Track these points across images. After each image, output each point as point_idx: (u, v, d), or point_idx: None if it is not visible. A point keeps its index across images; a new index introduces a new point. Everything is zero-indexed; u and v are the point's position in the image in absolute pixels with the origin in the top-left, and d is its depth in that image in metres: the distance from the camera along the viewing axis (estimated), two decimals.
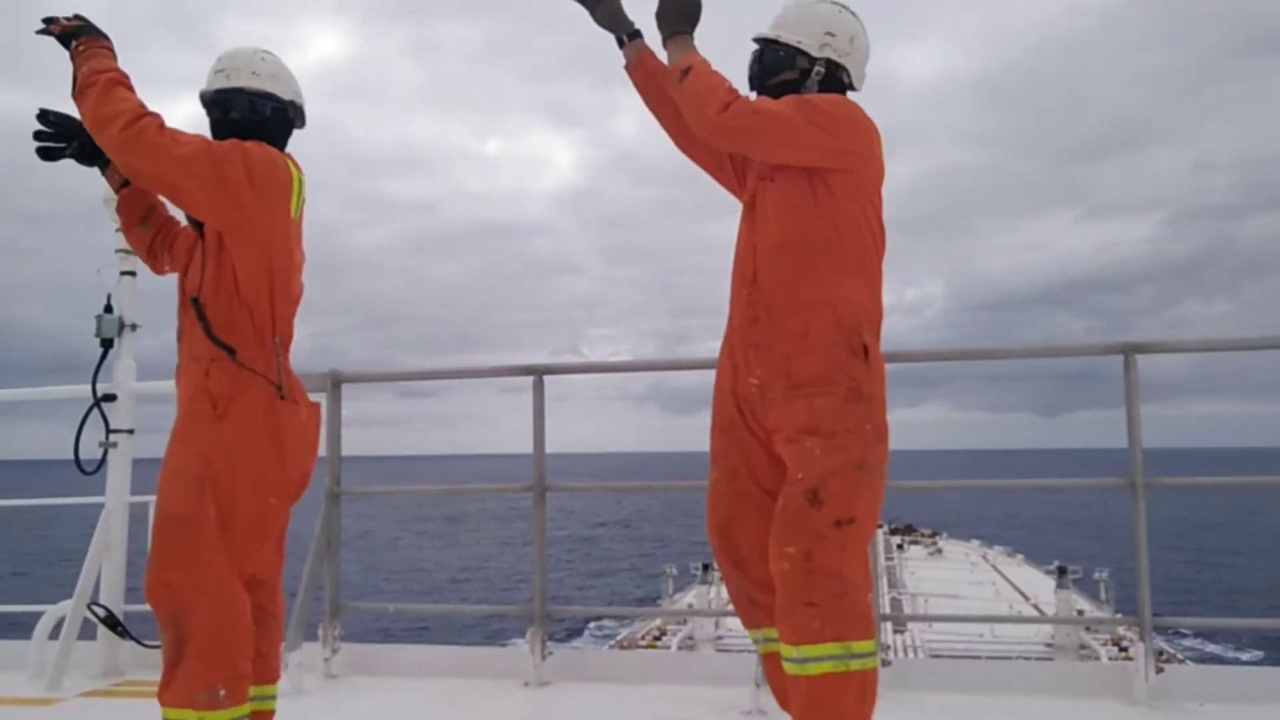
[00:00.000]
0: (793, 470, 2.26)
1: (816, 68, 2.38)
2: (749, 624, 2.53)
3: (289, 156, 2.55)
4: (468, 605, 6.64)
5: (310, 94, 2.73)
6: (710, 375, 2.59)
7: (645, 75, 2.63)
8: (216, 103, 2.54)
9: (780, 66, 2.41)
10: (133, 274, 4.10)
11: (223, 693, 2.28)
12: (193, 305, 2.41)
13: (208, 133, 2.55)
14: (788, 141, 2.29)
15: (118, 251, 4.08)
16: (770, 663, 2.50)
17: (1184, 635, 23.99)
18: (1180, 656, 19.30)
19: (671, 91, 2.45)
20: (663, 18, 2.46)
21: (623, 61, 2.63)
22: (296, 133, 2.69)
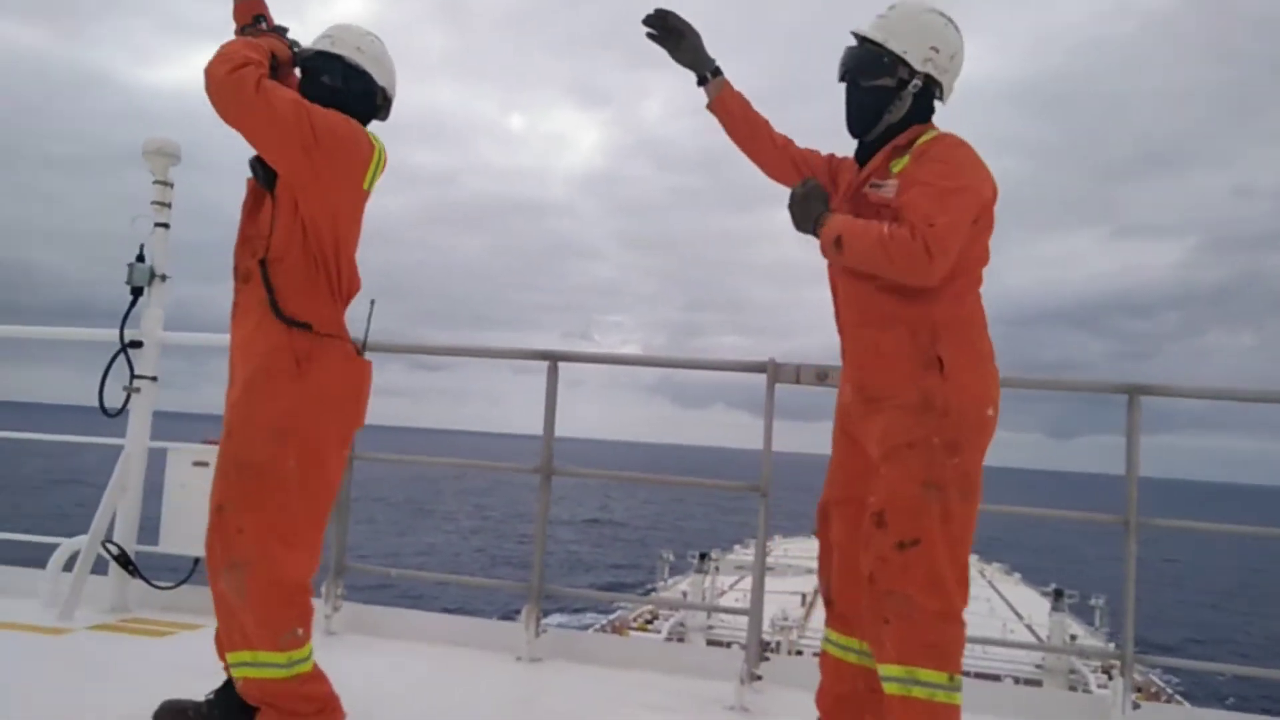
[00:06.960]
0: (874, 491, 2.27)
1: (915, 81, 2.33)
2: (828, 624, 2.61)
3: (372, 135, 2.57)
4: (469, 577, 6.75)
5: None
6: (722, 376, 2.69)
7: (726, 111, 2.64)
8: (313, 65, 2.57)
9: (879, 72, 2.34)
10: (166, 225, 4.19)
11: (300, 631, 2.39)
12: (260, 268, 2.43)
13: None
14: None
15: (153, 204, 4.16)
16: (823, 664, 2.59)
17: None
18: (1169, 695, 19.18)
19: (832, 259, 2.35)
20: (800, 221, 2.34)
21: (705, 100, 2.62)
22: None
